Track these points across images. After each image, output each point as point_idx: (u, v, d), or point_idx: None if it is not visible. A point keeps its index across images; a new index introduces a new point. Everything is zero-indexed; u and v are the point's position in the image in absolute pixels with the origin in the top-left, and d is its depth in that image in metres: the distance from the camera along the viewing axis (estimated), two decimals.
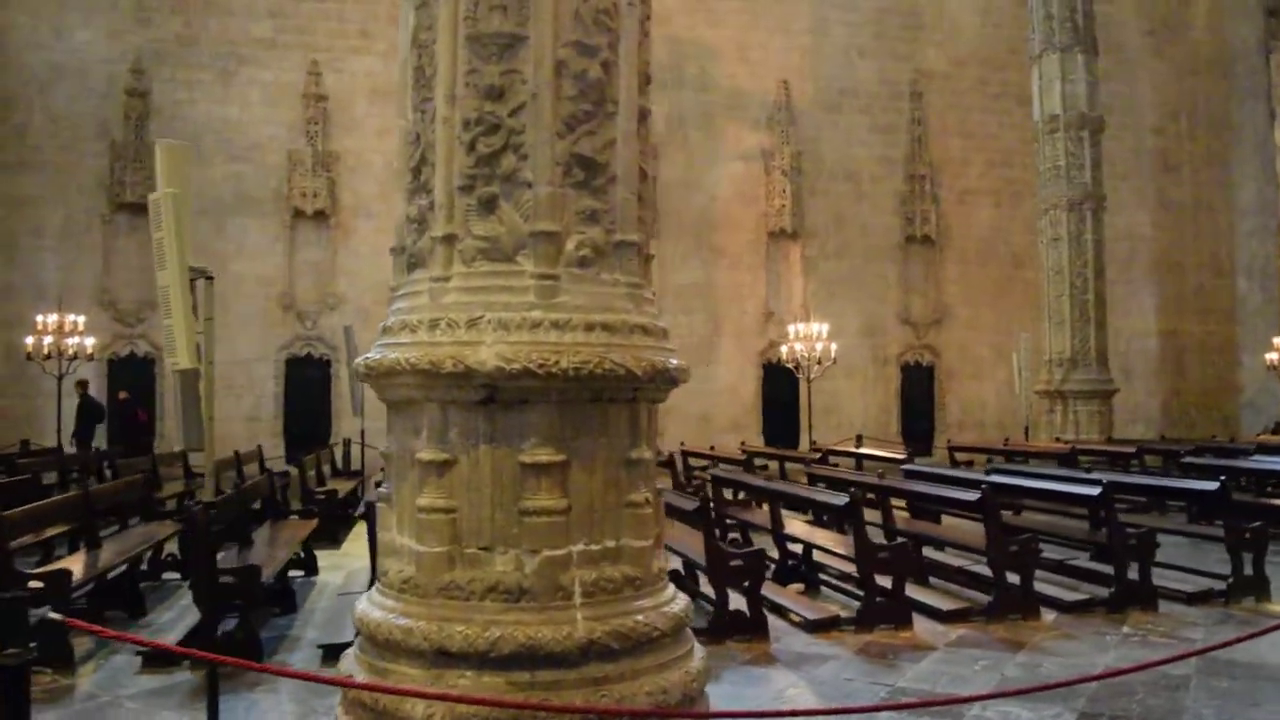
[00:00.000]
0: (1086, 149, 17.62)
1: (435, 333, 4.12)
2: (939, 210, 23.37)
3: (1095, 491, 7.39)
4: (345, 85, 20.91)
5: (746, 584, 6.58)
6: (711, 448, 15.61)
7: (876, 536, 7.84)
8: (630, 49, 4.56)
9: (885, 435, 22.46)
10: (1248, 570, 7.97)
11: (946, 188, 23.63)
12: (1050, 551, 8.86)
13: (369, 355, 4.35)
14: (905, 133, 23.40)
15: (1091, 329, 17.53)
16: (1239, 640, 5.73)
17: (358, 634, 4.13)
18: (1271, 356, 21.04)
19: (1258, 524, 7.99)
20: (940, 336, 23.39)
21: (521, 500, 4.07)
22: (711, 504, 7.84)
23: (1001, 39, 23.54)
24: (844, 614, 7.11)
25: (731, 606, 6.65)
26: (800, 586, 8.27)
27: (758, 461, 14.15)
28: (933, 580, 8.39)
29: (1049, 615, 7.38)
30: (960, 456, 16.35)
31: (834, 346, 17.48)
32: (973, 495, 7.24)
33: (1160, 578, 8.45)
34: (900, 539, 7.75)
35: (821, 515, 9.72)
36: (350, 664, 4.21)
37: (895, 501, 8.97)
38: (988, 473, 9.17)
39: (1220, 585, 7.97)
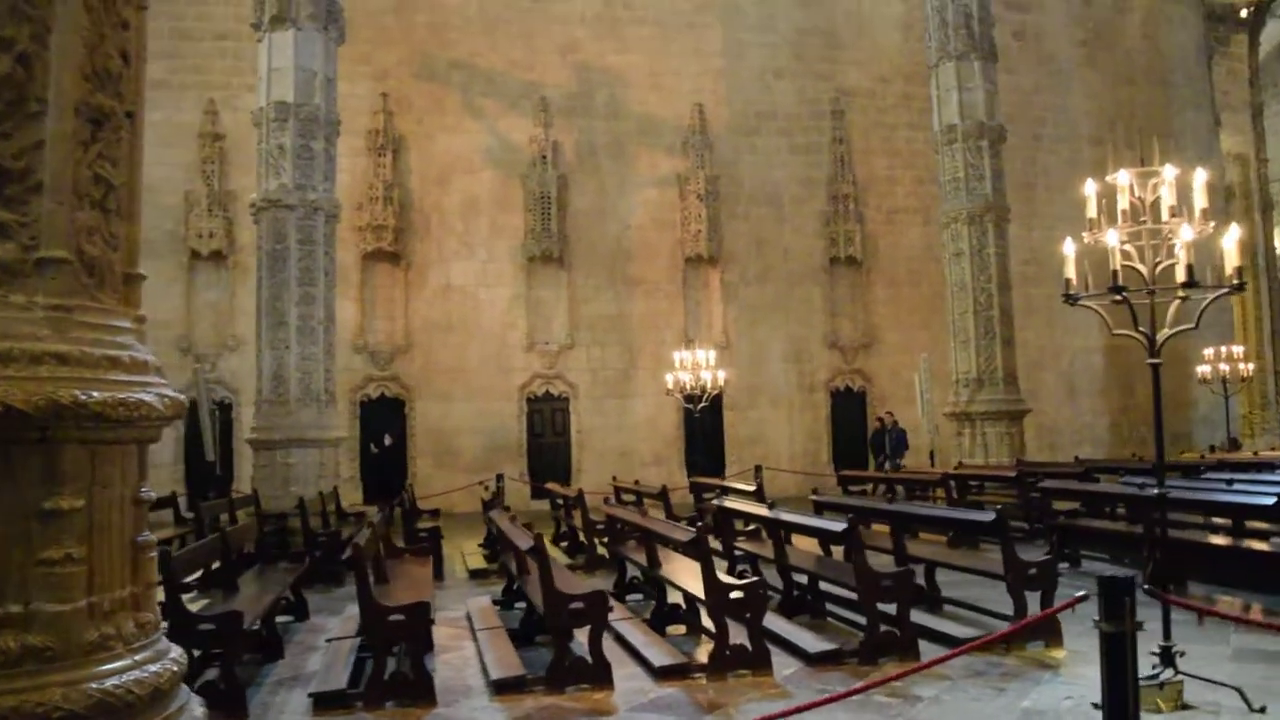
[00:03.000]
0: (986, 159, 16.91)
1: None
2: (865, 230, 22.70)
3: (840, 527, 6.66)
4: (243, 123, 20.38)
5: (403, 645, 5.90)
6: (556, 485, 14.90)
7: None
8: (70, 40, 3.94)
9: (815, 464, 21.74)
10: (1035, 610, 7.20)
11: (873, 207, 22.99)
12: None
13: None
14: (828, 153, 22.78)
15: (998, 346, 16.72)
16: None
17: None
18: (1203, 369, 20.18)
19: (1045, 558, 7.23)
20: (870, 361, 22.64)
21: None
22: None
23: (925, 54, 22.90)
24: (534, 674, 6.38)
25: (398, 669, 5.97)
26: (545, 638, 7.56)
27: (626, 498, 13.41)
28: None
29: (789, 668, 6.63)
30: (855, 487, 15.59)
31: (722, 374, 16.71)
32: (688, 535, 6.53)
33: (958, 619, 7.76)
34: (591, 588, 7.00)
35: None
36: None
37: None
38: (770, 506, 8.45)
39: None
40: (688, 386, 16.14)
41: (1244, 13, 28.31)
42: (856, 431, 22.59)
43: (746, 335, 22.03)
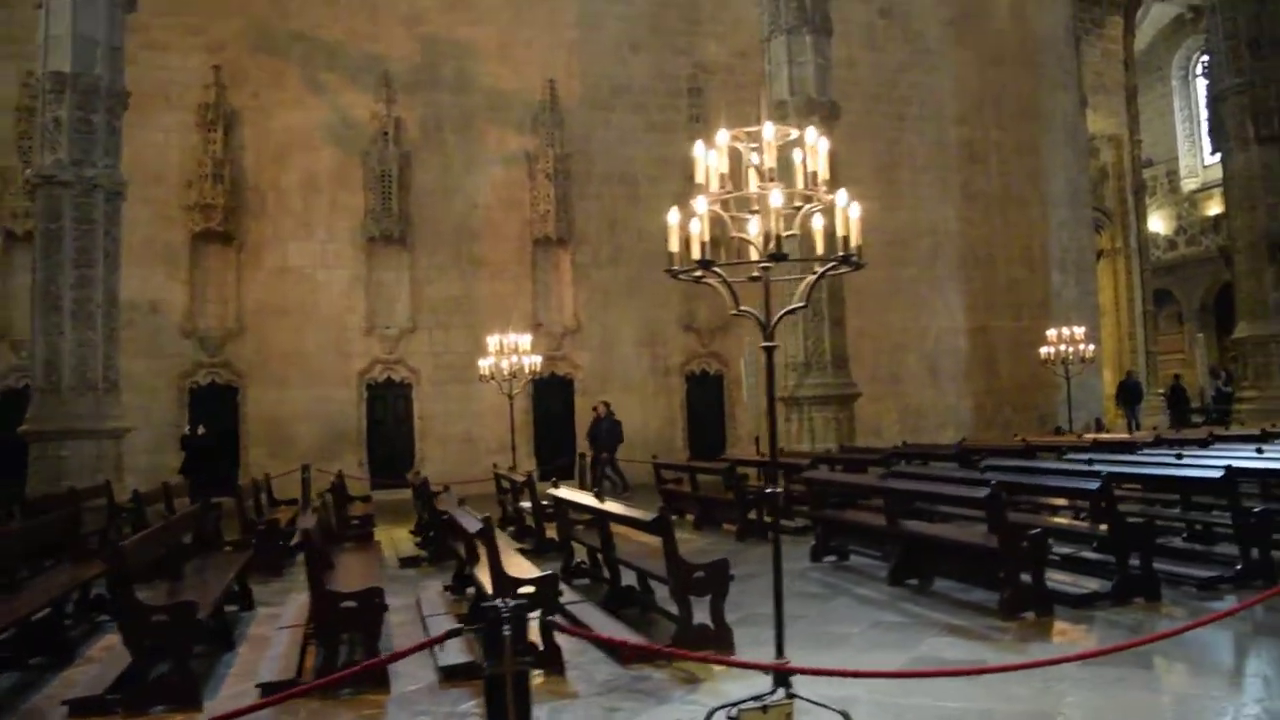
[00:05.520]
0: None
1: None
2: None
3: (477, 526, 6.17)
4: None
5: None
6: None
7: None
8: None
9: (670, 450, 21.27)
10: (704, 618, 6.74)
11: None
12: None
13: None
14: (684, 131, 22.22)
15: (826, 328, 16.37)
16: None
17: None
18: (1046, 350, 20.05)
19: (714, 561, 6.79)
20: (728, 343, 22.21)
21: None
22: None
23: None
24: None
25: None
26: None
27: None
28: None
29: (415, 685, 6.09)
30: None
31: (538, 359, 16.16)
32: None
33: (645, 626, 7.33)
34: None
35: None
36: None
37: None
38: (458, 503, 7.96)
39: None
40: (506, 372, 15.57)
41: None
42: (714, 416, 22.24)
43: (598, 319, 21.54)
